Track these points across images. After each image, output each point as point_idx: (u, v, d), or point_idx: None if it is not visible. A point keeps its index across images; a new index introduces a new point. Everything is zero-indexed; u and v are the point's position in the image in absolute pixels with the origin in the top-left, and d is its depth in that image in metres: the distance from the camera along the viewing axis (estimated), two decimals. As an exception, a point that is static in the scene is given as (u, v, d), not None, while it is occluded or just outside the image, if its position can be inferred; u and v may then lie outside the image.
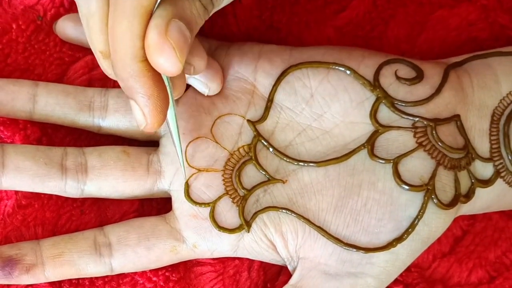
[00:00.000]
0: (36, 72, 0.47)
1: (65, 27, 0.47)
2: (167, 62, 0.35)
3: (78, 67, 0.48)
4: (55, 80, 0.47)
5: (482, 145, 0.44)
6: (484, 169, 0.44)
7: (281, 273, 0.46)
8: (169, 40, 0.35)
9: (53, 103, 0.45)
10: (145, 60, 0.36)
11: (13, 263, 0.42)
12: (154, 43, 0.35)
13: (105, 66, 0.40)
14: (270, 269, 0.46)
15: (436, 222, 0.42)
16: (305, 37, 0.50)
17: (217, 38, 0.49)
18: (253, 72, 0.45)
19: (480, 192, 0.44)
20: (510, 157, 0.44)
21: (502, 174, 0.44)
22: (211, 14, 0.39)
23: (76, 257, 0.43)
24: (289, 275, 0.45)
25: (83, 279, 0.44)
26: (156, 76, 0.37)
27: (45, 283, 0.43)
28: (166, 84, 0.39)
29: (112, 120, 0.45)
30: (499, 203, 0.46)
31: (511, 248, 0.47)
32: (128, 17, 0.35)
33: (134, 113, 0.38)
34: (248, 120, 0.44)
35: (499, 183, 0.44)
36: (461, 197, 0.43)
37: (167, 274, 0.45)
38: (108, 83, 0.47)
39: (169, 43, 0.35)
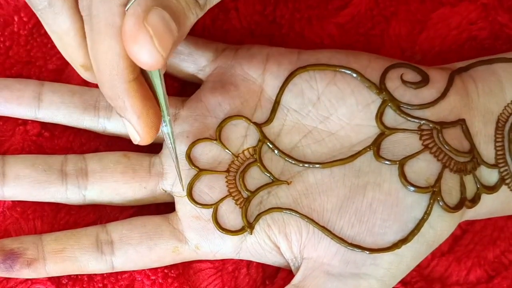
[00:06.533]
0: (37, 64, 0.47)
1: None
2: (143, 51, 0.32)
3: (79, 60, 0.47)
4: (57, 72, 0.47)
5: (487, 151, 0.44)
6: (489, 175, 0.44)
7: (280, 270, 0.46)
8: (147, 27, 0.32)
9: (58, 101, 0.45)
10: (133, 80, 0.35)
11: (15, 257, 0.42)
12: (129, 30, 0.32)
13: (89, 76, 0.39)
14: (268, 266, 0.46)
15: (442, 225, 0.43)
16: (307, 33, 0.50)
17: (219, 33, 0.49)
18: (261, 74, 0.45)
19: (484, 198, 0.44)
20: None
21: (507, 181, 0.44)
22: (205, 10, 0.37)
23: (77, 253, 0.43)
24: (287, 272, 0.45)
25: (82, 274, 0.44)
26: (145, 94, 0.36)
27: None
28: (159, 84, 0.37)
29: (117, 121, 0.45)
30: (503, 210, 0.46)
31: (510, 248, 0.47)
32: (106, 38, 0.34)
33: (127, 129, 0.38)
34: (254, 123, 0.44)
35: (504, 190, 0.44)
36: (466, 201, 0.43)
37: (165, 270, 0.45)
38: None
39: (145, 29, 0.32)
